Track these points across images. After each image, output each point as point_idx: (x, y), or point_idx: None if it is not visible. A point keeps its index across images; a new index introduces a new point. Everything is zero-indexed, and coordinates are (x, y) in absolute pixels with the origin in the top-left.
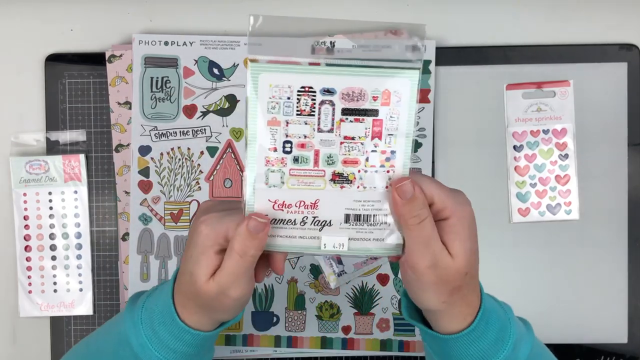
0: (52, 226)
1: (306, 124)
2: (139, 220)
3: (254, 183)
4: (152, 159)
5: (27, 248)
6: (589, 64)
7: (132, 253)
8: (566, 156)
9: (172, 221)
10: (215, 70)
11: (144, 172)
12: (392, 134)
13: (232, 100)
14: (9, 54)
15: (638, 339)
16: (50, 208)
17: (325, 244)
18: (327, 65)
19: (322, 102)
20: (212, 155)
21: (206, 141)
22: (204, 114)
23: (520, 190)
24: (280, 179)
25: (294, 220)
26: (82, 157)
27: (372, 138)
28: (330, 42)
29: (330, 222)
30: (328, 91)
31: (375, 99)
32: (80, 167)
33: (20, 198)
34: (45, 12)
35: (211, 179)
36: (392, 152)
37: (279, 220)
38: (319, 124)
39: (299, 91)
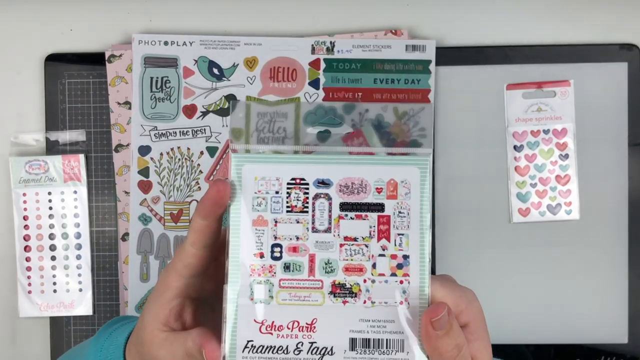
0: (51, 226)
1: (298, 222)
2: (139, 220)
3: (237, 298)
4: (151, 159)
5: (26, 248)
6: (589, 64)
7: (132, 253)
8: (566, 156)
9: (171, 221)
10: (215, 70)
11: (144, 172)
12: (402, 234)
13: (232, 100)
14: (9, 54)
15: (638, 339)
16: (50, 208)
17: None
18: (321, 153)
19: (317, 196)
20: (212, 155)
21: (206, 141)
22: (204, 114)
23: (520, 190)
24: (268, 293)
25: (286, 348)
26: (81, 157)
27: (379, 239)
28: (330, 42)
29: (332, 349)
30: (323, 183)
31: (379, 190)
32: (80, 167)
33: (20, 198)
34: (45, 12)
35: (211, 179)
36: (405, 256)
37: (267, 348)
38: (313, 223)
39: (288, 184)
